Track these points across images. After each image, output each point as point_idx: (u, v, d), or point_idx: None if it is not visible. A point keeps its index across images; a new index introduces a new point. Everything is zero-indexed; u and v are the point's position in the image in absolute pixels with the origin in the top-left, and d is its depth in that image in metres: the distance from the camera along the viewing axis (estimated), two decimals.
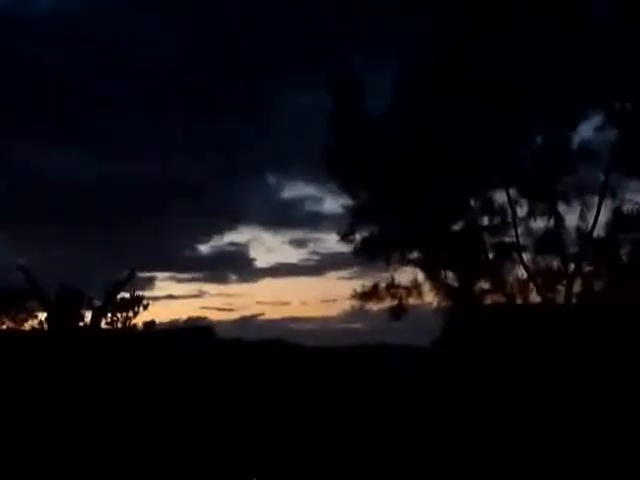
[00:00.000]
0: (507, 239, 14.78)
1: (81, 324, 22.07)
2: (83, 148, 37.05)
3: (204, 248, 45.36)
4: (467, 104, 13.84)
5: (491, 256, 14.88)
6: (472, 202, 14.96)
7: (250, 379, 21.32)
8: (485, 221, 14.92)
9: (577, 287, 14.31)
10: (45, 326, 22.37)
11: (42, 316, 22.44)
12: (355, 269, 19.91)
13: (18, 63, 33.24)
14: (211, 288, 50.27)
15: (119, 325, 22.49)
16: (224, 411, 18.77)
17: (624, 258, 14.32)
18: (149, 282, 29.68)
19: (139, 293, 22.72)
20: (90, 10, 35.47)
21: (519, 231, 14.56)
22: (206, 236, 43.39)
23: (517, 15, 13.66)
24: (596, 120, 14.18)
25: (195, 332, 25.31)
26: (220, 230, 42.65)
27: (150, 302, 23.03)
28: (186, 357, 22.93)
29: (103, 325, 22.38)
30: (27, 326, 22.93)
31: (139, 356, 21.46)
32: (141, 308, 22.78)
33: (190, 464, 15.41)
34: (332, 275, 41.35)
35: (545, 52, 13.47)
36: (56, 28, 34.89)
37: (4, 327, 23.06)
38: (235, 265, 41.61)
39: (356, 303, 15.40)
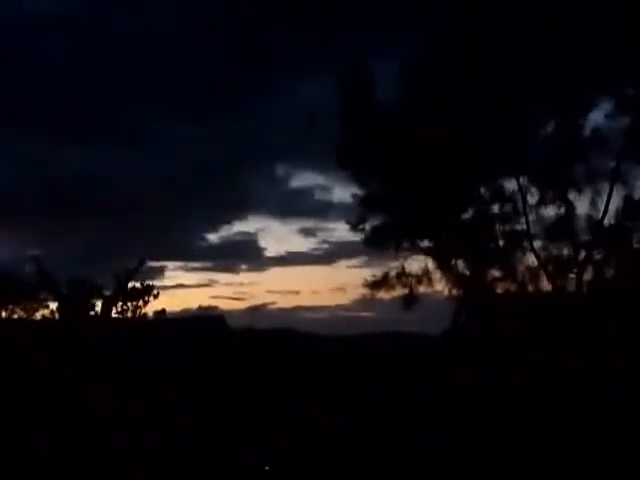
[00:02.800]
0: (518, 227, 14.78)
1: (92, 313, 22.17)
2: (96, 141, 37.15)
3: (214, 237, 45.41)
4: (478, 93, 13.81)
5: (502, 244, 14.86)
6: (483, 190, 14.94)
7: (262, 367, 21.37)
8: (496, 209, 14.92)
9: (588, 275, 14.33)
10: (57, 315, 22.47)
11: (53, 306, 22.49)
12: (365, 258, 19.94)
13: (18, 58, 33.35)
14: (221, 277, 50.22)
15: (129, 314, 22.51)
16: (235, 398, 18.85)
17: (635, 245, 14.28)
18: (159, 271, 29.67)
19: (149, 282, 22.75)
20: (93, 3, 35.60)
21: (530, 219, 14.58)
22: (216, 226, 43.45)
23: (530, 2, 13.60)
24: (607, 107, 14.17)
25: (206, 321, 25.40)
26: (230, 220, 42.66)
27: (160, 291, 23.07)
28: (198, 346, 23.01)
29: (113, 314, 22.42)
30: (38, 316, 22.98)
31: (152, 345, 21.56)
32: (151, 297, 22.79)
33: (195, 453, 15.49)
34: (342, 264, 41.25)
35: (556, 40, 13.42)
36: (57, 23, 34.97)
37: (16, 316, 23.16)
38: (245, 254, 41.58)
39: (367, 292, 15.42)
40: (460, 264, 15.02)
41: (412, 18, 14.98)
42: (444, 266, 15.02)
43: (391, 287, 15.34)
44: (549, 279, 14.48)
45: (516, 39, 13.85)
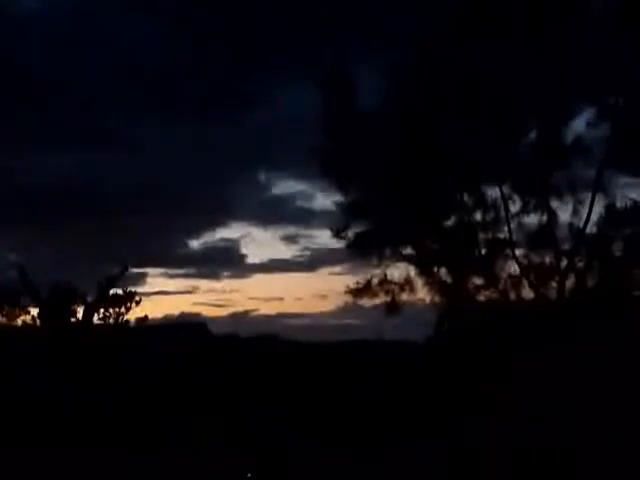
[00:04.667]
0: (500, 235, 14.79)
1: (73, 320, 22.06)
2: (77, 146, 36.95)
3: (195, 244, 45.13)
4: (460, 100, 13.83)
5: (484, 252, 14.88)
6: (465, 198, 14.95)
7: (246, 374, 21.34)
8: (478, 217, 14.93)
9: (570, 283, 14.36)
10: (38, 322, 22.34)
11: (35, 312, 22.35)
12: (347, 265, 19.94)
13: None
14: (203, 284, 50.09)
15: (111, 321, 22.40)
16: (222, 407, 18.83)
17: (617, 254, 14.33)
18: (140, 278, 29.52)
19: (131, 289, 22.66)
20: (77, 10, 35.41)
21: (512, 227, 14.59)
22: (197, 232, 43.31)
23: (513, 11, 13.63)
24: (589, 115, 14.21)
25: (189, 327, 25.31)
26: (211, 226, 42.41)
27: (142, 298, 22.96)
28: (181, 352, 22.95)
29: (95, 321, 22.30)
30: (20, 322, 22.83)
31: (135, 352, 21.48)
32: (133, 304, 22.69)
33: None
34: (324, 271, 41.27)
35: (539, 48, 13.46)
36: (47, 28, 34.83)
37: None
38: (227, 261, 41.47)
39: (350, 299, 15.41)
40: (442, 272, 15.05)
41: (397, 22, 14.97)
42: (426, 273, 15.03)
43: (374, 294, 15.35)
44: (531, 287, 14.51)
45: (499, 46, 13.89)
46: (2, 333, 22.31)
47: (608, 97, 14.02)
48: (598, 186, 13.96)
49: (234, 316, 32.67)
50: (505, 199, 14.51)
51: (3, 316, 22.99)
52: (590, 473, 12.42)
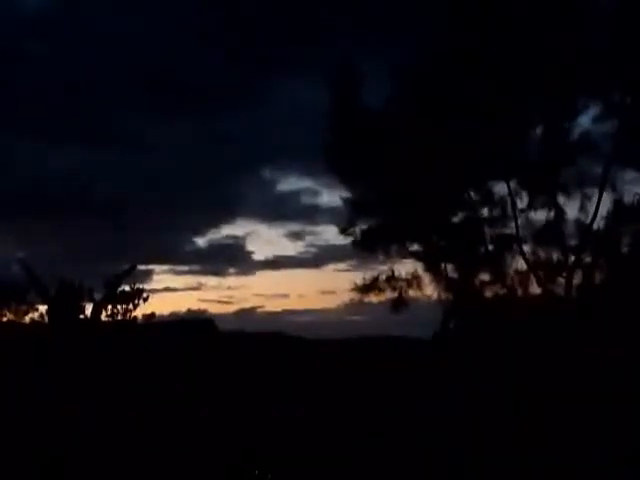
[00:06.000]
0: (507, 231, 14.80)
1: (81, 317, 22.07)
2: (82, 142, 37.06)
3: (202, 241, 45.24)
4: (468, 96, 13.81)
5: (491, 248, 14.87)
6: (472, 194, 14.95)
7: (253, 371, 21.34)
8: (485, 213, 14.94)
9: (577, 279, 14.34)
10: (46, 319, 22.37)
11: (42, 309, 22.38)
12: (353, 261, 19.91)
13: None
14: (209, 281, 50.21)
15: (119, 318, 22.41)
16: (227, 403, 18.82)
17: (624, 249, 14.30)
18: (147, 275, 29.56)
19: (139, 286, 22.64)
20: (78, 9, 35.51)
21: (519, 223, 14.60)
22: (203, 229, 43.35)
23: (519, 6, 13.62)
24: (595, 111, 14.19)
25: (197, 324, 25.32)
26: (217, 223, 42.51)
27: (149, 295, 22.96)
28: (190, 348, 22.97)
29: (103, 318, 22.31)
30: (27, 319, 22.87)
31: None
32: (141, 301, 22.68)
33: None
34: (330, 267, 41.31)
35: (545, 44, 13.44)
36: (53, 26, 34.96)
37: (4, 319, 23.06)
38: (233, 258, 41.58)
39: (356, 295, 15.40)
40: (449, 268, 15.05)
41: (403, 18, 14.98)
42: (433, 270, 15.02)
43: (380, 291, 15.34)
44: (538, 283, 14.50)
45: (505, 43, 13.88)
46: (9, 330, 22.35)
47: (614, 93, 13.98)
48: (605, 182, 13.94)
49: (239, 313, 32.70)
50: (512, 195, 14.52)
51: (10, 313, 23.03)
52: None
